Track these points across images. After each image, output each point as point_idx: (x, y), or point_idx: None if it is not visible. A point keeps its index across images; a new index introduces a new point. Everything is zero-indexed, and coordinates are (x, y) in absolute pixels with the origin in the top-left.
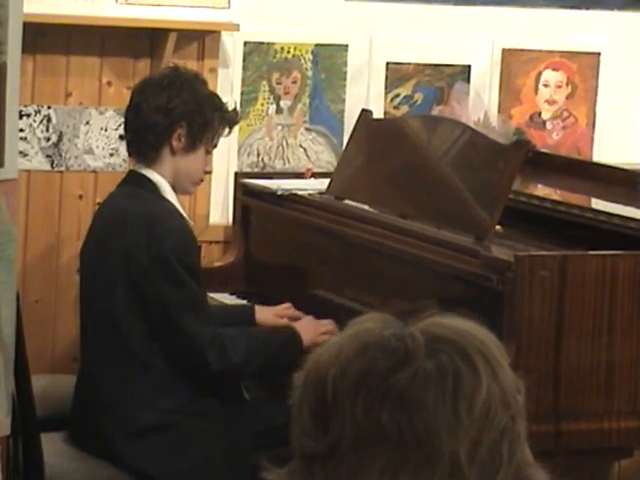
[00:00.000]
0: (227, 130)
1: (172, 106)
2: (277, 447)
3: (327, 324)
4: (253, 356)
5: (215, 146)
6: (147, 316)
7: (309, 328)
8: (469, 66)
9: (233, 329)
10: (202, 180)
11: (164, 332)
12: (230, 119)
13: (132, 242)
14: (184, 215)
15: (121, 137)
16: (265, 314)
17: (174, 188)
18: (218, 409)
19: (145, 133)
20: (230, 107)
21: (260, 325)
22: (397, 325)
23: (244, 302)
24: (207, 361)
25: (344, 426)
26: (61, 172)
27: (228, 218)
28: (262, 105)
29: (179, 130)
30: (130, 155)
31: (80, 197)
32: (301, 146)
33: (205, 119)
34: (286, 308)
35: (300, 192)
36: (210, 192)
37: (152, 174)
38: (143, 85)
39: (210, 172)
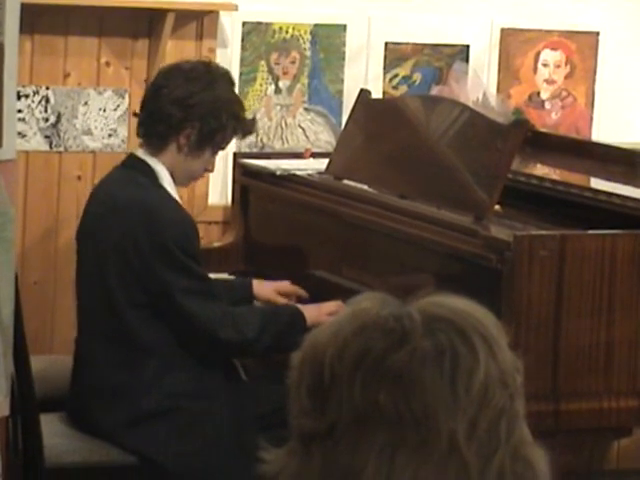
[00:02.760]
0: (241, 138)
1: (191, 102)
2: (278, 428)
3: (331, 305)
4: (265, 332)
5: (222, 149)
6: (148, 302)
7: (312, 308)
8: (468, 46)
9: (241, 307)
10: (202, 177)
11: (171, 318)
12: (245, 129)
13: (130, 231)
14: (180, 203)
15: (135, 114)
16: (264, 289)
17: (172, 177)
18: (219, 392)
19: (157, 120)
20: (248, 116)
21: (258, 299)
22: (395, 304)
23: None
24: (220, 338)
25: (342, 406)
26: (60, 153)
27: (227, 198)
28: (261, 85)
29: (190, 129)
30: (138, 135)
31: (79, 178)
32: (300, 126)
33: (219, 124)
34: (287, 285)
35: (299, 172)
36: None
37: (153, 161)
38: (171, 69)
39: (211, 171)
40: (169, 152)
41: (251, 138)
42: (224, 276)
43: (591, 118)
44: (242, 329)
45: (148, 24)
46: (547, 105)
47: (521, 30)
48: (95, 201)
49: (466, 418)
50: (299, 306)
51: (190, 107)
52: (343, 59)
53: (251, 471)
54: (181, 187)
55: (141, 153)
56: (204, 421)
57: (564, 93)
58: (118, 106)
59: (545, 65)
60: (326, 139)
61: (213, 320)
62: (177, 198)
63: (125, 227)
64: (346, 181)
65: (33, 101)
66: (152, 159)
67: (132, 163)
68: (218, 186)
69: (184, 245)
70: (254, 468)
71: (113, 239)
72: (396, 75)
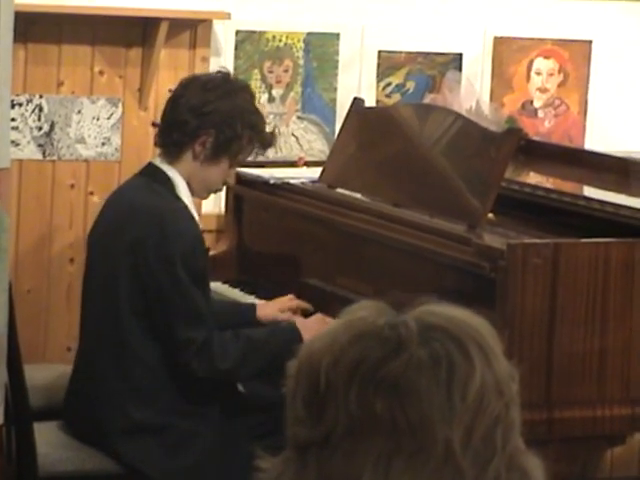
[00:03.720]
0: (260, 150)
1: (206, 110)
2: (272, 436)
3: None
4: (247, 360)
5: (240, 162)
6: (148, 314)
7: (312, 326)
8: (461, 54)
9: (230, 332)
10: (220, 190)
11: (160, 329)
12: (262, 140)
13: (141, 237)
14: (196, 217)
15: (154, 124)
16: (268, 311)
17: (190, 188)
18: (214, 408)
19: (172, 128)
20: (268, 129)
21: (262, 322)
22: (390, 313)
23: (251, 297)
24: (191, 367)
25: (338, 415)
26: (53, 161)
27: (220, 207)
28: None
29: (205, 136)
30: (155, 144)
31: (72, 186)
32: (293, 135)
33: (234, 133)
34: (290, 299)
35: (293, 181)
36: None
37: (171, 170)
38: (189, 80)
39: (228, 184)
40: (185, 160)
41: None
42: (218, 285)
43: (584, 126)
44: (214, 361)
45: (142, 33)
46: (540, 113)
47: (514, 38)
48: (110, 207)
49: (462, 426)
50: (297, 323)
51: (205, 115)
52: (336, 67)
53: None
54: (199, 199)
55: (159, 162)
56: (195, 440)
57: (557, 101)
58: (112, 114)
59: (538, 73)
60: (319, 148)
61: (189, 348)
62: (193, 210)
63: (137, 233)
64: (340, 190)
65: (27, 110)
66: (169, 168)
67: (150, 172)
68: (211, 195)
69: (189, 261)
70: None
71: (125, 246)
72: (389, 83)
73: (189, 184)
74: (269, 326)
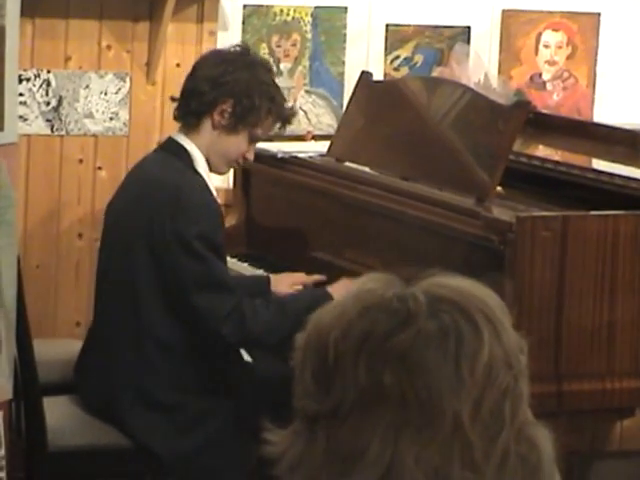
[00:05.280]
0: (278, 124)
1: (223, 80)
2: (280, 408)
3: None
4: (280, 324)
5: (259, 136)
6: (165, 290)
7: (340, 288)
8: (469, 27)
9: (259, 299)
10: (239, 164)
11: (179, 305)
12: (280, 113)
13: (157, 211)
14: (213, 191)
15: (172, 99)
16: (281, 285)
17: (208, 163)
18: (227, 388)
19: (190, 98)
20: (287, 105)
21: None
22: (399, 286)
23: (260, 272)
24: (222, 333)
25: (346, 387)
26: (61, 136)
27: (229, 181)
28: None
29: (224, 106)
30: (174, 118)
31: (80, 161)
32: (301, 109)
33: (252, 103)
34: (302, 277)
35: (301, 155)
36: None
37: (189, 144)
38: (208, 54)
39: (249, 160)
40: (204, 130)
41: None
42: (233, 261)
43: (592, 99)
44: (246, 325)
45: (149, 7)
46: (548, 86)
47: (522, 11)
48: (129, 181)
49: (470, 399)
50: (329, 289)
51: (222, 85)
52: (344, 41)
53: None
54: (218, 174)
55: (178, 136)
56: (206, 420)
57: (565, 74)
58: (119, 89)
59: (546, 46)
60: (327, 122)
61: (218, 314)
62: (210, 185)
63: (154, 207)
64: (348, 163)
65: (34, 85)
66: (188, 142)
67: (169, 146)
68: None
69: (206, 234)
70: (251, 469)
71: (142, 220)
72: (397, 57)
73: (208, 158)
74: (301, 293)
